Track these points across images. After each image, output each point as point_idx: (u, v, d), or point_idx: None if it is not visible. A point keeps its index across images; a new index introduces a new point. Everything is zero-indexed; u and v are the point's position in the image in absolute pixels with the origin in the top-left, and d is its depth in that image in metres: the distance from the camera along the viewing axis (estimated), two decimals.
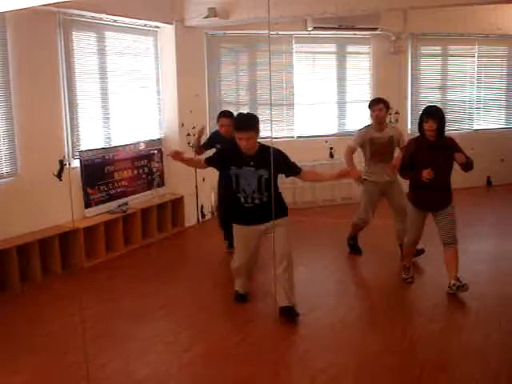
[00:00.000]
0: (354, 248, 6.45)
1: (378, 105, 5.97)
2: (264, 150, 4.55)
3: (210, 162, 4.86)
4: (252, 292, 5.18)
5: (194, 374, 3.90)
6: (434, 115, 4.90)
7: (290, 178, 5.01)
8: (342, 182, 9.05)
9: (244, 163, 4.57)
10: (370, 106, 6.08)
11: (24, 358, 4.13)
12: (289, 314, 4.62)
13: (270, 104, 4.68)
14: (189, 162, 5.25)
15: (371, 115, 6.05)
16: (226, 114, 6.19)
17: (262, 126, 4.70)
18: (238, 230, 4.85)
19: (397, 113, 9.17)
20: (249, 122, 4.57)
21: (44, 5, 3.16)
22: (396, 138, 6.04)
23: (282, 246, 4.63)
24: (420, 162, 4.98)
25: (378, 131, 5.98)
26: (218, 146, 5.95)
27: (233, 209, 4.86)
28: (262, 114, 8.00)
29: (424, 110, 5.04)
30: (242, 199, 4.64)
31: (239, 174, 4.60)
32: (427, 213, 5.20)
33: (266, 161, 4.32)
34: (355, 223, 6.31)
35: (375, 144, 5.96)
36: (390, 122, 5.37)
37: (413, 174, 5.07)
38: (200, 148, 6.32)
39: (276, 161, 4.36)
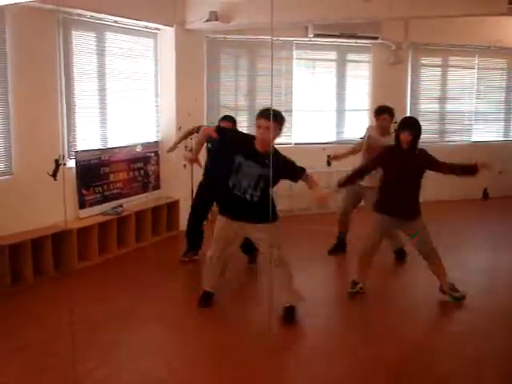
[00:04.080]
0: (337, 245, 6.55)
1: (383, 114, 5.95)
2: (276, 155, 4.54)
3: (220, 133, 4.73)
4: (244, 299, 5.13)
5: (182, 381, 3.85)
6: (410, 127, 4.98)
7: None
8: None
9: (253, 157, 4.52)
10: (375, 114, 6.07)
11: (10, 359, 4.07)
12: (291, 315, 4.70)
13: (271, 110, 4.63)
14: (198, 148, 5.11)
15: (376, 122, 6.07)
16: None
17: None
18: (221, 220, 4.81)
19: (395, 122, 9.10)
20: (275, 115, 4.50)
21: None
22: None
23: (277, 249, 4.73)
24: (391, 168, 5.09)
25: (380, 136, 5.95)
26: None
27: (220, 198, 4.82)
28: None
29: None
30: (232, 187, 4.60)
31: (242, 164, 4.55)
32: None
33: (274, 165, 4.38)
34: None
35: (375, 146, 5.87)
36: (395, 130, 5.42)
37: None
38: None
39: (285, 168, 4.58)
